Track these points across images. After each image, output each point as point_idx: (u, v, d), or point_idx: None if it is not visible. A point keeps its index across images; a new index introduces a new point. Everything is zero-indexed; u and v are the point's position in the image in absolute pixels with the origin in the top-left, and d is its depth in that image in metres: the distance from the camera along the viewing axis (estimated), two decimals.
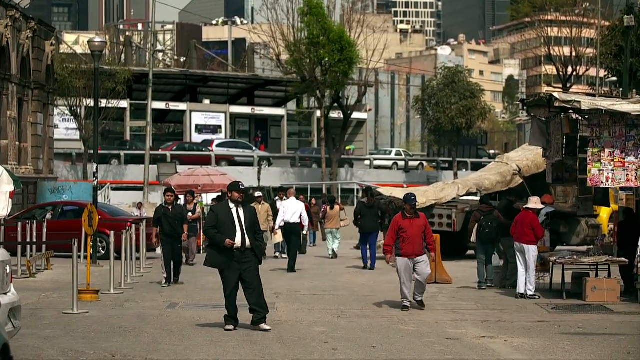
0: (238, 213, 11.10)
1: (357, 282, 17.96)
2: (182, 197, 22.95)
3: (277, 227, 21.26)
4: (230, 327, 11.11)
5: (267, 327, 11.04)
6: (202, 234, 26.87)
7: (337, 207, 25.34)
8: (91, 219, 15.77)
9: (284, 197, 25.37)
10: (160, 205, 17.52)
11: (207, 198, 31.16)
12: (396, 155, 64.61)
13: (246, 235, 11.02)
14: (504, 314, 12.96)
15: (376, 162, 61.12)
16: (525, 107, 18.26)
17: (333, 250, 24.83)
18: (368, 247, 21.27)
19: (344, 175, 55.91)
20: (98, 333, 10.84)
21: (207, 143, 54.55)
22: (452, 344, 10.37)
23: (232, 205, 11.14)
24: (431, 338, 10.75)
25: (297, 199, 22.26)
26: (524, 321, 12.25)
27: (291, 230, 20.64)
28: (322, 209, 26.86)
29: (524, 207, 15.24)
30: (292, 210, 20.72)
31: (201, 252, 26.33)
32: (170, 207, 16.81)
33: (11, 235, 20.49)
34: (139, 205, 34.26)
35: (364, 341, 10.49)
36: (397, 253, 13.19)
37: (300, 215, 20.73)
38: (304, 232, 21.28)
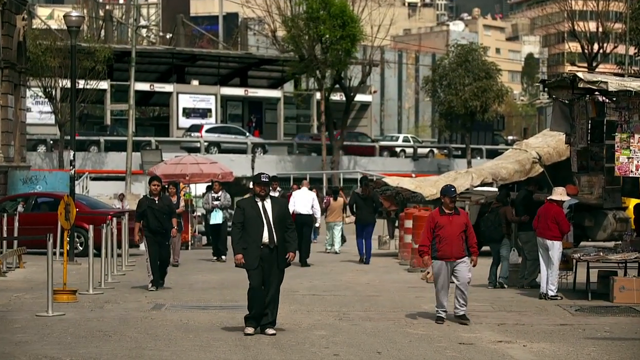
0: (264, 207, 11.13)
1: (360, 281, 17.96)
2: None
3: None
4: (250, 329, 11.07)
5: (271, 332, 11.07)
6: (189, 229, 26.94)
7: (340, 199, 25.46)
8: (68, 211, 15.73)
9: (278, 189, 25.63)
10: (144, 197, 16.94)
11: (196, 189, 31.15)
12: (404, 141, 64.57)
13: (274, 232, 11.04)
14: (523, 317, 12.96)
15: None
16: (546, 89, 18.22)
17: (332, 246, 25.25)
18: (364, 239, 21.99)
19: (347, 163, 55.91)
20: (75, 337, 10.84)
21: (196, 128, 54.54)
22: (466, 349, 10.37)
23: (257, 199, 11.19)
24: (442, 343, 10.75)
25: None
26: (545, 324, 12.25)
27: (303, 221, 21.41)
28: (325, 200, 26.98)
29: (548, 198, 15.21)
30: (303, 200, 21.60)
31: (189, 248, 26.37)
32: (156, 199, 16.14)
33: None
34: (121, 197, 34.28)
35: (368, 346, 10.49)
36: (433, 255, 12.45)
37: (312, 206, 21.89)
38: (317, 225, 22.25)
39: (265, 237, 11.04)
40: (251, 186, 11.51)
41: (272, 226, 11.07)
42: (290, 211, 21.41)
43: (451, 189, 12.64)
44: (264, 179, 11.25)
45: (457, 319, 12.30)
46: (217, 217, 22.69)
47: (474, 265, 12.54)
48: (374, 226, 22.70)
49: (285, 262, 11.24)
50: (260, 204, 11.16)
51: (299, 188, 23.45)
